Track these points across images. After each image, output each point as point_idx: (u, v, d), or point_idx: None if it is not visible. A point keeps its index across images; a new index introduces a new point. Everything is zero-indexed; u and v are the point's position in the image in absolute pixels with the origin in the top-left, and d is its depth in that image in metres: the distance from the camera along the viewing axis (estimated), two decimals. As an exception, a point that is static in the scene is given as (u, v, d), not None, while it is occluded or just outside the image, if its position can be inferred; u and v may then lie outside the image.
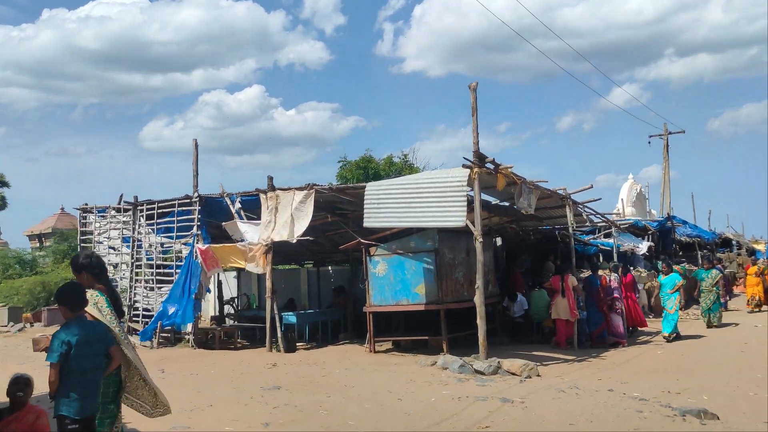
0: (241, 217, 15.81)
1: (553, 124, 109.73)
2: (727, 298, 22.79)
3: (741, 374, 10.77)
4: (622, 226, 18.06)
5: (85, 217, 19.42)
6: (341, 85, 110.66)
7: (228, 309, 22.46)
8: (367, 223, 12.82)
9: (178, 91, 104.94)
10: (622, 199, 32.91)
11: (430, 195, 12.15)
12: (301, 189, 14.58)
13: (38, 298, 26.36)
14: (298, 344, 16.16)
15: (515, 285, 17.64)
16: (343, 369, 11.79)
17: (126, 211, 18.26)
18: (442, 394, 9.11)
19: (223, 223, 16.07)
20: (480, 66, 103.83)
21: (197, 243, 16.36)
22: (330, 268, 21.96)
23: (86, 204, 19.44)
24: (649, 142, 36.10)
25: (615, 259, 16.94)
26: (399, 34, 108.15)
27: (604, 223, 17.91)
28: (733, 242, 38.18)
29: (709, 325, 17.34)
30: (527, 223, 17.51)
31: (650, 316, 20.99)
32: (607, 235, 22.44)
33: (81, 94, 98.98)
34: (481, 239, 11.68)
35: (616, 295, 15.51)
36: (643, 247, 23.70)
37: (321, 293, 21.32)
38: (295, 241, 14.72)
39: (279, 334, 14.86)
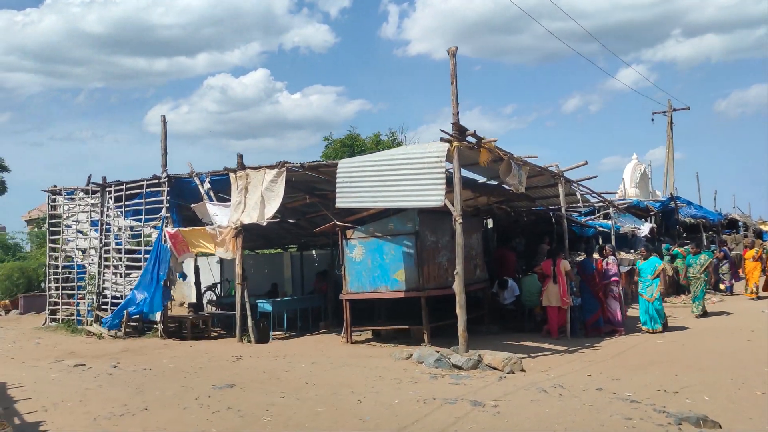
0: (210, 199, 14.78)
1: (558, 106, 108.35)
2: (733, 282, 21.61)
3: (747, 368, 9.70)
4: (621, 206, 16.92)
5: (54, 200, 18.43)
6: (346, 68, 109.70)
7: (210, 295, 21.56)
8: (340, 203, 11.75)
9: (183, 74, 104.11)
10: (623, 179, 31.68)
11: (405, 172, 11.07)
12: (272, 167, 13.52)
13: (17, 285, 25.48)
14: (275, 333, 15.21)
15: (508, 269, 16.62)
16: (310, 363, 10.78)
17: (94, 192, 17.26)
18: (408, 394, 8.08)
19: (192, 205, 15.05)
20: (485, 48, 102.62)
21: (166, 226, 15.35)
22: (314, 252, 20.93)
23: (55, 186, 18.45)
24: (653, 120, 34.83)
25: (612, 241, 15.84)
26: (404, 17, 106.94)
27: (602, 203, 16.79)
28: (740, 223, 36.94)
29: (704, 313, 16.24)
30: (518, 203, 16.41)
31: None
32: (606, 216, 21.33)
33: (85, 79, 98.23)
34: (461, 220, 10.60)
35: (614, 279, 14.45)
36: (644, 228, 22.56)
37: (305, 278, 20.34)
38: (265, 223, 13.70)
39: (250, 324, 13.87)
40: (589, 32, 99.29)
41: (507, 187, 11.87)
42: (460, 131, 10.65)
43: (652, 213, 24.81)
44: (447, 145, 10.69)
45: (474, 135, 10.73)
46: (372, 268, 13.12)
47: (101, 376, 10.03)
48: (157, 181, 15.72)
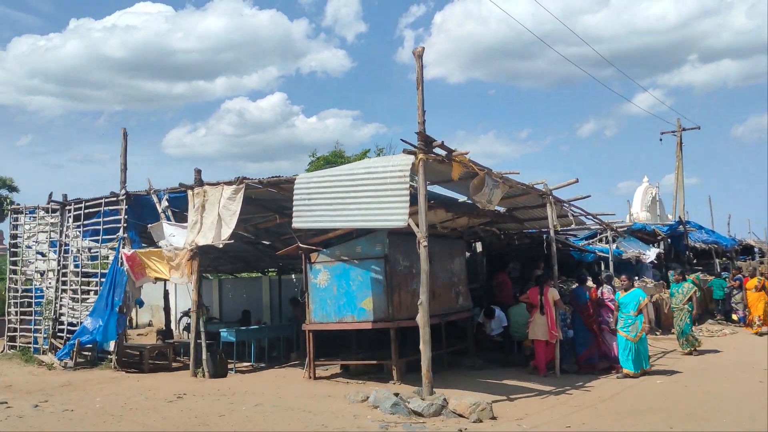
0: (168, 218, 13.56)
1: (574, 131, 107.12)
2: (747, 312, 19.89)
3: (758, 417, 8.28)
4: (620, 230, 15.53)
5: (16, 219, 17.27)
6: (362, 92, 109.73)
7: (187, 321, 20.31)
8: (297, 223, 10.51)
9: (201, 98, 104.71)
10: (628, 202, 30.26)
11: (367, 188, 9.81)
12: (230, 183, 12.30)
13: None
14: (241, 365, 13.91)
15: (506, 296, 15.27)
16: (253, 405, 9.44)
17: (54, 211, 16.11)
18: (343, 452, 6.74)
19: (149, 226, 13.84)
20: (500, 72, 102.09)
21: (123, 248, 14.14)
22: (293, 276, 19.62)
23: (18, 204, 17.35)
24: (661, 140, 33.26)
25: (610, 267, 14.44)
26: (419, 41, 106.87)
27: (600, 226, 15.40)
28: (755, 249, 35.20)
29: (692, 350, 14.56)
30: (507, 225, 15.07)
31: (657, 333, 18.47)
32: (605, 240, 19.89)
33: (106, 102, 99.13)
34: (425, 243, 9.28)
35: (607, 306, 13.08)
36: (650, 254, 21.07)
37: (283, 304, 19.04)
38: (221, 245, 12.45)
39: (204, 356, 12.56)
40: (605, 58, 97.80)
41: (472, 202, 10.54)
42: (426, 142, 9.39)
43: (659, 237, 23.31)
44: (412, 157, 9.42)
45: (443, 146, 9.46)
46: (337, 296, 11.82)
47: (10, 420, 8.75)
48: (115, 198, 14.54)
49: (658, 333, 18.48)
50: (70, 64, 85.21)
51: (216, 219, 12.31)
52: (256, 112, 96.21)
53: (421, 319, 9.26)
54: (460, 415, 8.46)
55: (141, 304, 15.88)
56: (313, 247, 12.09)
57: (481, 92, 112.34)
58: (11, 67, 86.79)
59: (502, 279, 15.73)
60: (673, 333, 19.05)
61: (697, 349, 14.54)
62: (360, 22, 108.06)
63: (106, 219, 14.74)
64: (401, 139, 9.39)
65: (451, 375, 12.16)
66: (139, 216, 14.48)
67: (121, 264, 14.00)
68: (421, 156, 9.33)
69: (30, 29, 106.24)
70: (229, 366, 13.27)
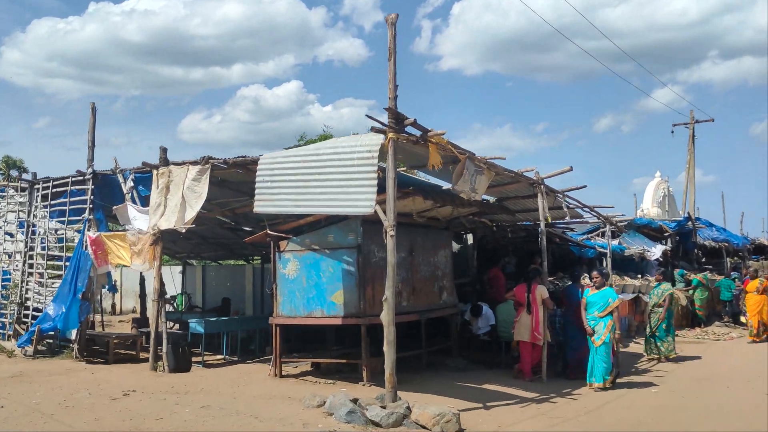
0: (133, 199, 12.67)
1: (590, 125, 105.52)
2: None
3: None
4: (621, 224, 14.46)
5: (-14, 198, 16.47)
6: (378, 82, 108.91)
7: (169, 309, 19.53)
8: (258, 207, 9.59)
9: (217, 84, 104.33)
10: (635, 195, 29.09)
11: (333, 171, 8.87)
12: (195, 163, 11.38)
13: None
14: (212, 359, 13.10)
15: (499, 292, 14.29)
16: (199, 407, 8.54)
17: (24, 190, 15.29)
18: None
19: (114, 208, 12.97)
20: (517, 65, 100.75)
21: (88, 230, 13.29)
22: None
23: (-9, 182, 16.55)
24: (672, 132, 31.92)
25: (609, 263, 13.40)
26: (437, 32, 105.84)
27: (598, 220, 14.35)
28: (769, 249, 33.93)
29: (661, 358, 13.37)
30: (499, 217, 14.07)
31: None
32: (613, 236, 18.81)
33: (123, 86, 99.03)
34: (392, 233, 8.33)
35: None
36: (656, 251, 19.98)
37: (264, 294, 18.14)
38: (184, 230, 11.54)
39: (164, 349, 11.70)
40: (626, 53, 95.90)
41: (454, 191, 9.54)
42: (397, 119, 8.41)
43: (666, 234, 22.18)
44: (381, 137, 8.45)
45: (416, 125, 8.47)
46: (307, 288, 10.90)
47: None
48: (82, 177, 13.67)
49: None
50: (89, 47, 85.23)
51: (180, 201, 11.40)
52: (271, 100, 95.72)
53: (386, 317, 8.32)
54: (423, 427, 7.53)
55: (113, 290, 15.04)
56: (283, 235, 11.17)
57: (498, 85, 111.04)
58: (30, 50, 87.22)
59: (494, 274, 14.75)
60: (677, 335, 18.07)
61: (669, 358, 13.32)
62: (377, 11, 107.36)
63: (73, 199, 13.88)
64: (367, 115, 8.48)
65: (430, 376, 11.25)
66: (108, 197, 13.60)
67: (86, 247, 13.15)
68: (391, 135, 8.36)
69: (49, 12, 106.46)
70: (200, 359, 12.43)
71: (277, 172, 9.42)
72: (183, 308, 18.25)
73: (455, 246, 15.83)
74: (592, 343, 10.56)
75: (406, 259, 11.58)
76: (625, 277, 17.90)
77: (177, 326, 15.24)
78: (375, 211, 8.45)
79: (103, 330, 16.74)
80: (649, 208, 35.34)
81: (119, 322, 19.61)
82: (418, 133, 8.72)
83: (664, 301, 13.41)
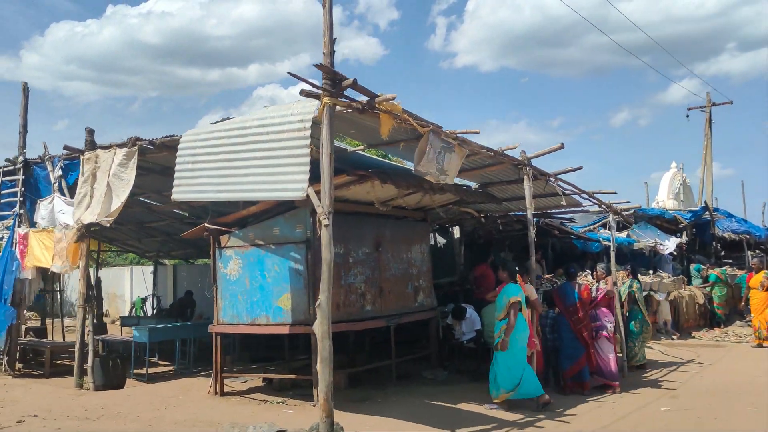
0: (61, 189, 11.08)
1: (607, 120, 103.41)
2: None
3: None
4: (625, 212, 12.60)
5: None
6: (393, 79, 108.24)
7: (139, 312, 18.06)
8: (177, 194, 7.96)
9: (233, 85, 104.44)
10: (645, 183, 27.15)
11: (260, 148, 7.22)
12: (122, 146, 9.75)
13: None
14: (164, 369, 11.56)
15: (484, 293, 12.55)
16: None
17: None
18: None
19: (39, 200, 11.38)
20: (532, 60, 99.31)
21: (18, 226, 11.73)
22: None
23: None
24: (687, 116, 29.81)
25: (612, 257, 11.59)
26: (452, 29, 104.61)
27: (601, 209, 12.47)
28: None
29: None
30: (486, 206, 12.32)
31: (674, 337, 15.67)
32: (623, 227, 16.99)
33: (141, 88, 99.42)
34: (327, 222, 6.62)
35: (604, 310, 10.36)
36: (669, 244, 18.12)
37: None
38: (108, 223, 9.90)
39: (90, 363, 10.07)
40: (656, 41, 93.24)
41: (416, 173, 7.78)
42: (333, 80, 6.70)
43: (681, 225, 20.30)
44: (316, 103, 6.77)
45: (357, 86, 6.74)
46: (251, 291, 9.25)
47: None
48: (12, 167, 12.10)
49: (675, 337, 15.67)
50: (106, 50, 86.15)
51: (105, 191, 9.77)
52: (287, 99, 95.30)
53: (319, 327, 6.64)
54: (360, 469, 5.84)
55: (41, 298, 13.53)
56: (223, 228, 9.51)
57: (513, 81, 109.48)
58: (49, 53, 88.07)
59: (482, 271, 13.00)
60: (693, 338, 16.26)
61: (636, 365, 11.49)
62: (392, 9, 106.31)
63: (4, 192, 12.32)
64: (289, 72, 6.75)
65: (398, 392, 9.56)
66: (42, 188, 12.02)
67: (15, 246, 11.59)
68: (326, 100, 6.66)
69: (68, 15, 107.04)
70: (143, 371, 10.86)
71: (200, 152, 7.79)
72: (141, 312, 16.69)
73: (440, 240, 14.14)
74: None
75: (371, 255, 9.90)
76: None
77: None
78: (307, 196, 6.76)
79: (64, 339, 15.23)
80: (664, 200, 33.43)
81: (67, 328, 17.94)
82: (364, 99, 7.01)
83: (635, 301, 11.64)
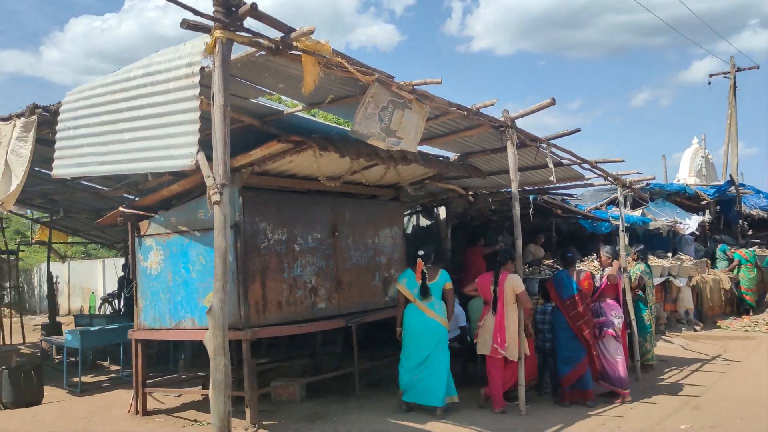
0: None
1: (627, 101, 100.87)
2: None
3: None
4: (637, 185, 10.71)
5: None
6: (410, 65, 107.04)
7: (107, 309, 16.55)
8: (58, 170, 6.31)
9: None
10: (663, 156, 25.14)
11: (145, 103, 5.52)
12: (20, 116, 8.09)
13: None
14: (101, 377, 10.03)
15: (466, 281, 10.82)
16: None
17: None
18: None
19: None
20: (549, 43, 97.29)
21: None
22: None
23: None
24: (710, 83, 27.55)
25: (621, 240, 9.77)
26: (467, 13, 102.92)
27: (608, 182, 10.59)
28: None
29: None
30: (473, 182, 10.55)
31: (697, 328, 13.84)
32: (636, 205, 15.13)
33: None
34: (218, 198, 4.90)
35: (612, 303, 8.58)
36: (691, 223, 16.23)
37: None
38: (6, 210, 8.27)
39: (-4, 376, 8.49)
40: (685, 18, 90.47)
41: (352, 133, 6.02)
42: (228, 6, 4.96)
43: (704, 203, 18.35)
44: (206, 39, 5.04)
45: (257, 13, 4.98)
46: (173, 288, 7.58)
47: None
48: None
49: (698, 328, 13.84)
50: (126, 43, 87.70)
51: (4, 169, 8.14)
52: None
53: (211, 341, 4.93)
54: None
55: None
56: (141, 213, 7.84)
57: (530, 63, 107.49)
58: (69, 48, 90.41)
59: (467, 258, 11.27)
60: (719, 327, 14.43)
61: (652, 366, 9.78)
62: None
63: None
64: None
65: (362, 406, 7.91)
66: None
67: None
68: (217, 33, 4.93)
69: (87, 10, 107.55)
70: (78, 380, 9.30)
71: (81, 113, 6.11)
72: (95, 310, 15.17)
73: (424, 222, 12.41)
74: None
75: (324, 241, 8.19)
76: (652, 257, 14.18)
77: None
78: (197, 164, 5.06)
79: (10, 340, 13.77)
80: (686, 178, 31.43)
81: (34, 327, 16.49)
82: (279, 36, 5.26)
83: (642, 288, 9.79)
